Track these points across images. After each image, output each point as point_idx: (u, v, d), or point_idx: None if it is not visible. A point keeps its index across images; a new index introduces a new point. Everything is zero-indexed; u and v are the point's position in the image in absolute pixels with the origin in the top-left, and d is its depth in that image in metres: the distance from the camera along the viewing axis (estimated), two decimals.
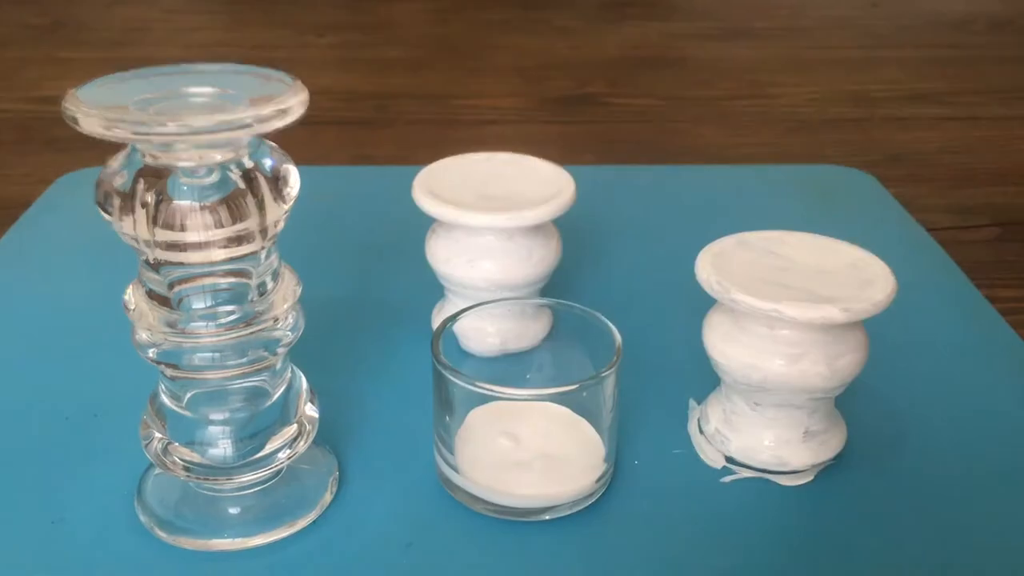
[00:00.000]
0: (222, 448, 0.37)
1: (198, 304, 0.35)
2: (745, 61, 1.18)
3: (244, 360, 0.36)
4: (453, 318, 0.43)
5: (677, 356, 0.51)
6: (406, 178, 0.51)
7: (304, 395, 0.40)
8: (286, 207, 0.34)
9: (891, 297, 0.40)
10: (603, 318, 0.42)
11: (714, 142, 0.92)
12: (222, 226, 0.33)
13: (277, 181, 0.34)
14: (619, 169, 0.82)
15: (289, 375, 0.39)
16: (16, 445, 0.44)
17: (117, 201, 0.33)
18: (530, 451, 0.41)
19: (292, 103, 0.32)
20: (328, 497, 0.41)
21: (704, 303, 0.44)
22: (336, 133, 0.93)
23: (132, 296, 0.36)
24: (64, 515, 0.40)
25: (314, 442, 0.43)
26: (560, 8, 1.44)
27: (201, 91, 0.33)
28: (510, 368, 0.48)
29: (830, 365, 0.40)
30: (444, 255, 0.49)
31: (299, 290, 0.38)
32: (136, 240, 0.33)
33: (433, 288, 0.54)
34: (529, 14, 1.40)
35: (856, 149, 0.90)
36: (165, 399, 0.38)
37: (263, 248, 0.35)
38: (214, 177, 0.33)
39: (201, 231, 0.32)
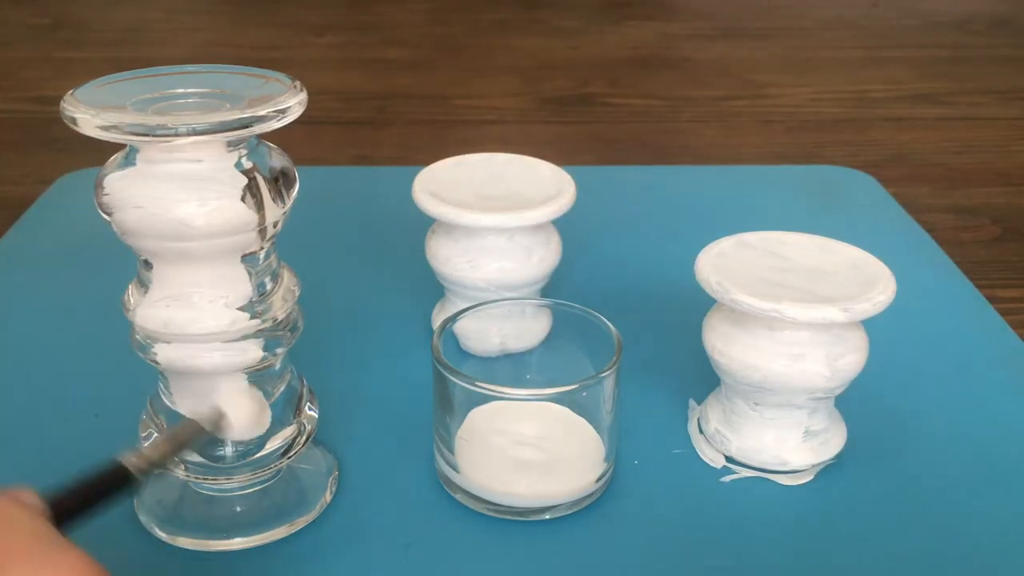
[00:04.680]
0: (222, 448, 0.37)
1: None
2: (745, 61, 1.18)
3: (243, 360, 0.36)
4: (453, 318, 0.43)
5: (677, 356, 0.51)
6: (406, 178, 0.51)
7: (304, 395, 0.40)
8: (285, 207, 0.34)
9: (891, 297, 0.40)
10: (603, 318, 0.42)
11: (714, 142, 0.92)
12: None
13: (276, 181, 0.34)
14: (619, 169, 0.82)
15: (288, 375, 0.39)
16: (16, 445, 0.44)
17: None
18: (530, 451, 0.41)
19: (291, 103, 0.32)
20: (328, 497, 0.41)
21: (704, 303, 0.44)
22: (336, 133, 0.93)
23: (132, 296, 0.36)
24: None
25: (314, 442, 0.43)
26: (560, 8, 1.44)
27: (200, 92, 0.33)
28: (510, 368, 0.48)
29: (830, 365, 0.40)
30: (444, 255, 0.49)
31: (298, 291, 0.38)
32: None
33: (433, 288, 0.54)
34: (529, 14, 1.39)
35: (856, 149, 0.90)
36: (165, 399, 0.38)
37: (262, 248, 0.35)
38: None
39: None
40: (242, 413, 0.35)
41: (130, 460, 0.30)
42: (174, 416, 0.37)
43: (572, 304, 0.44)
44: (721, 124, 0.97)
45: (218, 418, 0.35)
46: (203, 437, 0.35)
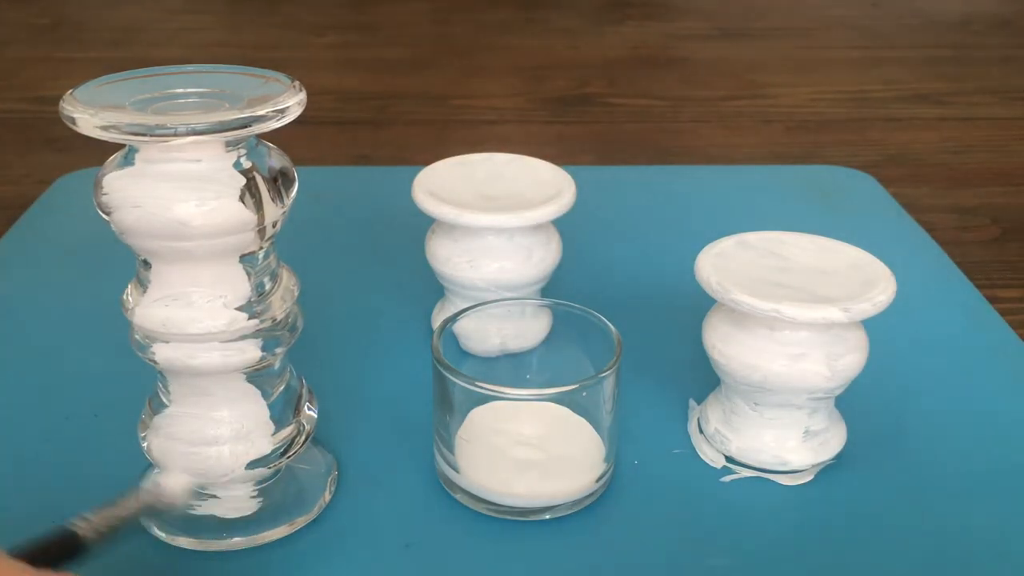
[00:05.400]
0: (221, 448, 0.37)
1: None
2: (745, 61, 1.18)
3: (242, 360, 0.36)
4: (453, 318, 0.43)
5: (677, 356, 0.51)
6: (406, 178, 0.51)
7: (303, 395, 0.40)
8: (284, 207, 0.34)
9: (891, 297, 0.40)
10: (603, 318, 0.42)
11: (714, 142, 0.92)
12: None
13: (275, 181, 0.34)
14: (619, 169, 0.82)
15: (288, 375, 0.39)
16: (16, 445, 0.44)
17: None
18: (530, 451, 0.41)
19: (290, 103, 0.32)
20: (327, 497, 0.41)
21: (704, 303, 0.44)
22: (336, 133, 0.93)
23: (131, 296, 0.35)
24: (64, 514, 0.40)
25: (313, 442, 0.43)
26: (560, 8, 1.44)
27: (199, 91, 0.33)
28: (510, 368, 0.48)
29: (830, 365, 0.40)
30: (444, 255, 0.49)
31: (297, 290, 0.38)
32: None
33: (433, 288, 0.54)
34: (529, 14, 1.39)
35: (856, 149, 0.90)
36: (163, 399, 0.37)
37: (261, 248, 0.35)
38: None
39: None
40: (178, 486, 0.36)
41: (80, 528, 0.31)
42: (172, 417, 0.37)
43: (572, 304, 0.44)
44: (721, 124, 0.97)
45: (158, 492, 0.36)
46: (150, 510, 0.36)
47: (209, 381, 0.36)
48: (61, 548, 0.30)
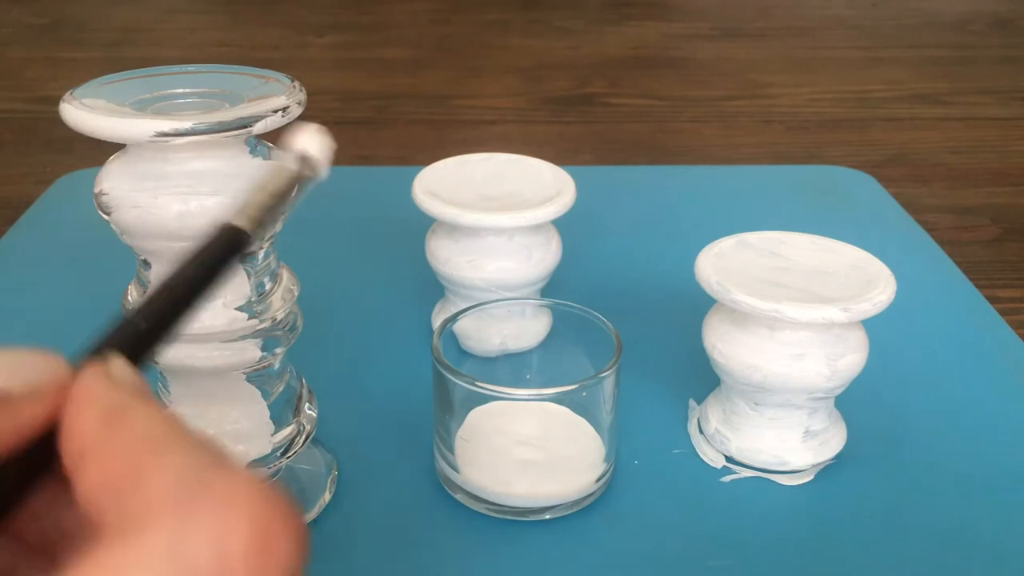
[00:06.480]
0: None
1: None
2: (745, 61, 1.18)
3: (242, 360, 0.36)
4: (453, 318, 0.43)
5: (677, 356, 0.51)
6: (406, 178, 0.51)
7: (303, 395, 0.40)
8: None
9: (891, 297, 0.40)
10: (603, 318, 0.42)
11: (714, 142, 0.92)
12: None
13: None
14: (619, 169, 0.82)
15: (288, 375, 0.39)
16: None
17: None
18: (530, 451, 0.41)
19: (290, 103, 0.32)
20: (327, 496, 0.41)
21: (704, 303, 0.44)
22: (336, 133, 0.93)
23: (131, 296, 0.35)
24: None
25: (313, 442, 0.43)
26: (560, 8, 1.44)
27: (199, 91, 0.33)
28: (510, 368, 0.48)
29: (830, 365, 0.40)
30: (444, 255, 0.49)
31: (297, 290, 0.38)
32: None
33: (433, 288, 0.54)
34: (529, 14, 1.39)
35: (856, 149, 0.90)
36: (163, 399, 0.37)
37: (261, 248, 0.35)
38: None
39: None
40: (319, 146, 0.31)
41: (239, 219, 0.24)
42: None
43: (572, 304, 0.44)
44: (721, 124, 0.97)
45: (303, 160, 0.30)
46: (296, 183, 0.29)
47: (209, 381, 0.36)
48: (221, 249, 0.24)
